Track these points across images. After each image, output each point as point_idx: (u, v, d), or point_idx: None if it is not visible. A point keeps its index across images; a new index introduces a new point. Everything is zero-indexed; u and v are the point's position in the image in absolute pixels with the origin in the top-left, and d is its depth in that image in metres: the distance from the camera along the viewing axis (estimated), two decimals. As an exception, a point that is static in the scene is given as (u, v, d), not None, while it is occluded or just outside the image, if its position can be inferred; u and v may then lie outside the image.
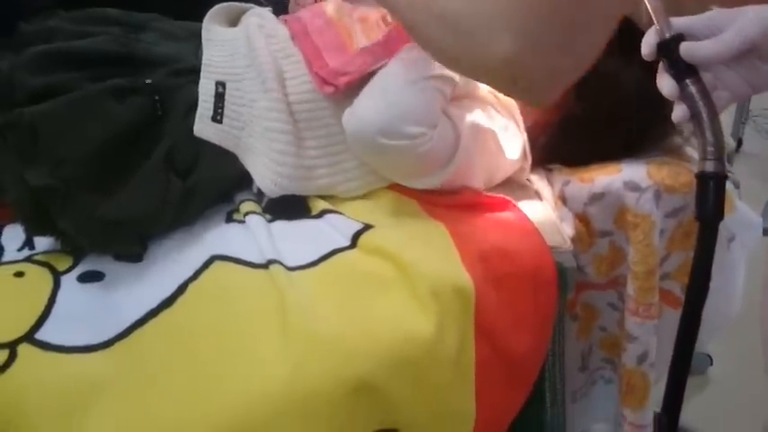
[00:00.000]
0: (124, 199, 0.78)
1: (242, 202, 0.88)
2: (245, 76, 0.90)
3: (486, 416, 0.79)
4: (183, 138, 0.84)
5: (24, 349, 0.67)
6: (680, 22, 0.60)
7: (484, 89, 0.93)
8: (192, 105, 0.86)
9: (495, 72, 0.60)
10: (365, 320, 0.73)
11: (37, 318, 0.71)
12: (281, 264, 0.77)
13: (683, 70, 0.64)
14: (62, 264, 0.79)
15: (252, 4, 1.06)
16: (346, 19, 0.96)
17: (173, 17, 1.04)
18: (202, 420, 0.63)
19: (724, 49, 0.74)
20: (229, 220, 0.87)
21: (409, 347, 0.72)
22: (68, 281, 0.77)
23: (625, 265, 0.94)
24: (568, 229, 0.89)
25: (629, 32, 0.83)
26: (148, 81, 0.84)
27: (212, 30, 0.96)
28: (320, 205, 0.89)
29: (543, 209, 0.91)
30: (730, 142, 1.10)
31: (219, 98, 0.87)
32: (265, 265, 0.77)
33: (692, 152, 0.99)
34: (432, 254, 0.79)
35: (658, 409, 0.97)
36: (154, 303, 0.73)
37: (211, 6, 1.02)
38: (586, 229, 0.92)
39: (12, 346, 0.67)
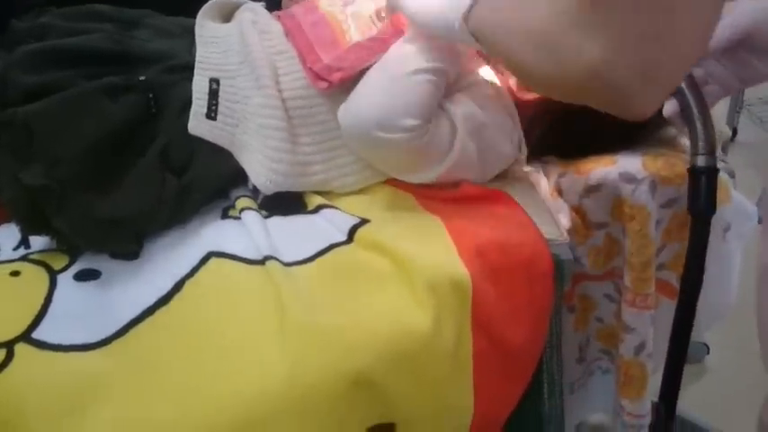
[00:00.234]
0: (119, 198, 0.78)
1: (238, 198, 0.88)
2: (239, 73, 0.90)
3: (484, 409, 0.79)
4: (178, 135, 0.84)
5: (21, 349, 0.67)
6: None
7: (480, 82, 0.92)
8: (187, 102, 0.86)
9: (588, 84, 0.57)
10: (362, 315, 0.72)
11: (34, 317, 0.71)
12: (278, 260, 0.76)
13: None
14: (58, 262, 0.79)
15: (245, 0, 1.06)
16: (339, 14, 0.96)
17: (166, 13, 1.03)
18: (201, 418, 0.63)
19: (711, 41, 0.74)
20: (225, 216, 0.87)
21: (407, 341, 0.72)
22: (65, 279, 0.77)
23: (621, 256, 0.94)
24: (565, 222, 0.89)
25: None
26: (142, 78, 0.83)
27: (205, 26, 0.96)
28: (316, 200, 0.88)
29: (539, 201, 0.91)
30: (726, 131, 1.10)
31: (213, 95, 0.87)
32: (262, 262, 0.77)
33: (688, 143, 0.99)
34: (428, 248, 0.79)
35: (656, 399, 0.98)
36: (150, 301, 0.73)
37: (204, 2, 1.01)
38: (582, 221, 0.92)
39: (8, 346, 0.67)
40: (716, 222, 0.87)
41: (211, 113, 0.86)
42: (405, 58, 0.84)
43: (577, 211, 0.92)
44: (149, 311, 0.72)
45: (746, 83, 0.86)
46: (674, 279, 1.00)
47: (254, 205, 0.87)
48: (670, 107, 0.86)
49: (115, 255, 0.80)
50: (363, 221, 0.84)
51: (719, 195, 0.85)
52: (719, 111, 1.23)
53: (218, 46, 0.93)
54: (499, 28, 0.71)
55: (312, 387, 0.67)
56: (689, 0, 0.52)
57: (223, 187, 0.90)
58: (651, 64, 0.54)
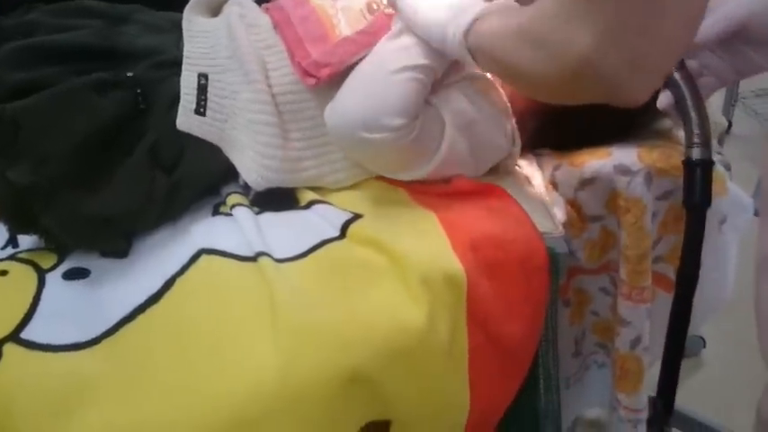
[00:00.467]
0: (108, 196, 0.77)
1: (228, 194, 0.87)
2: (228, 68, 0.89)
3: (480, 404, 0.78)
4: (167, 131, 0.83)
5: (10, 349, 0.66)
6: None
7: (472, 76, 0.91)
8: (175, 98, 0.85)
9: (579, 74, 0.58)
10: (356, 311, 0.72)
11: (22, 316, 0.70)
12: (270, 256, 0.75)
13: None
14: (46, 261, 0.78)
15: None
16: (330, 8, 0.95)
17: (155, 8, 1.02)
18: (194, 418, 0.63)
19: (706, 33, 0.74)
20: (216, 212, 0.86)
21: (402, 337, 0.71)
22: (53, 278, 0.76)
23: (617, 249, 0.93)
24: (560, 215, 0.88)
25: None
26: (130, 74, 0.82)
27: (193, 20, 0.95)
28: (308, 196, 0.87)
29: (534, 195, 0.90)
30: (722, 121, 1.10)
31: (202, 90, 0.86)
32: (254, 258, 0.76)
33: (683, 135, 0.98)
34: (422, 242, 0.78)
35: (652, 393, 0.97)
36: (141, 299, 0.72)
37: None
38: (578, 214, 0.91)
39: (-3, 347, 0.66)
40: (712, 215, 0.87)
41: (200, 109, 0.85)
42: (390, 55, 0.83)
43: (572, 204, 0.92)
44: (140, 310, 0.71)
45: (742, 74, 0.85)
46: (670, 272, 0.99)
47: (246, 201, 0.86)
48: (665, 99, 0.86)
49: (104, 253, 0.79)
50: (356, 216, 0.83)
51: (715, 188, 0.85)
52: (715, 103, 1.23)
53: (205, 41, 0.92)
54: (496, 38, 0.71)
55: (306, 385, 0.66)
56: None
57: (214, 184, 0.89)
58: (639, 52, 0.56)
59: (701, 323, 1.05)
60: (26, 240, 0.81)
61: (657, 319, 0.94)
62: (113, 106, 0.79)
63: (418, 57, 0.82)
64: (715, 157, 0.84)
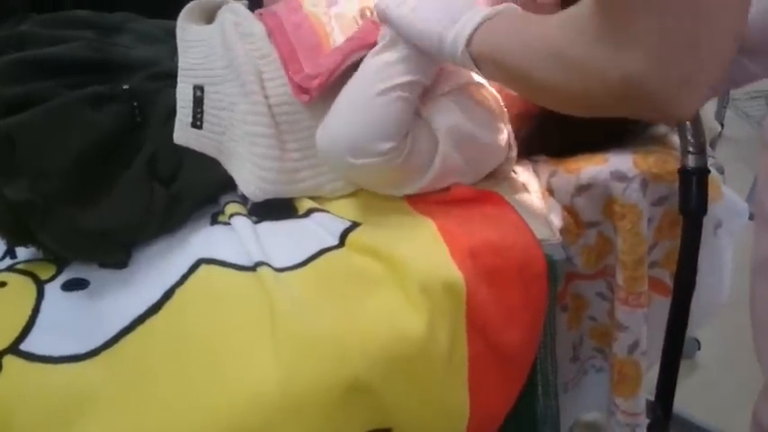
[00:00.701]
0: (107, 210, 0.77)
1: (227, 203, 0.87)
2: (225, 79, 0.88)
3: (480, 411, 0.78)
4: (165, 144, 0.82)
5: (9, 361, 0.66)
6: None
7: (466, 84, 0.91)
8: (172, 110, 0.84)
9: (626, 95, 0.57)
10: (356, 320, 0.72)
11: (21, 328, 0.70)
12: (269, 265, 0.75)
13: None
14: (45, 272, 0.78)
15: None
16: (323, 16, 0.94)
17: (148, 15, 1.02)
18: (194, 429, 0.63)
19: None
20: (214, 222, 0.86)
21: (402, 346, 0.71)
22: (52, 289, 0.76)
23: (613, 254, 0.93)
24: (557, 221, 0.88)
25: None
26: (126, 87, 0.82)
27: (187, 29, 0.94)
28: (306, 204, 0.87)
29: (531, 201, 0.90)
30: (716, 126, 1.11)
31: (198, 103, 0.85)
32: (253, 268, 0.76)
33: (678, 140, 0.99)
34: (421, 250, 0.78)
35: (650, 396, 0.98)
36: (140, 310, 0.72)
37: (184, 2, 0.99)
38: (574, 220, 0.92)
39: (-4, 359, 0.66)
40: (707, 220, 0.87)
41: (197, 122, 0.85)
42: (374, 75, 0.82)
43: (569, 210, 0.92)
44: (139, 320, 0.71)
45: (737, 83, 0.86)
46: (666, 277, 1.00)
47: (244, 211, 0.86)
48: None
49: (104, 264, 0.79)
50: (354, 225, 0.83)
51: (710, 193, 0.86)
52: (708, 107, 1.24)
53: (200, 50, 0.91)
54: (510, 51, 0.70)
55: (307, 394, 0.66)
56: (722, 8, 0.52)
57: (212, 194, 0.89)
58: (689, 69, 0.55)
59: (697, 327, 1.06)
60: (24, 251, 0.81)
61: (654, 324, 0.95)
62: (110, 120, 0.79)
63: (402, 73, 0.80)
64: (708, 162, 0.85)
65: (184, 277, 0.75)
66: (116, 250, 0.79)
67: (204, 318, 0.72)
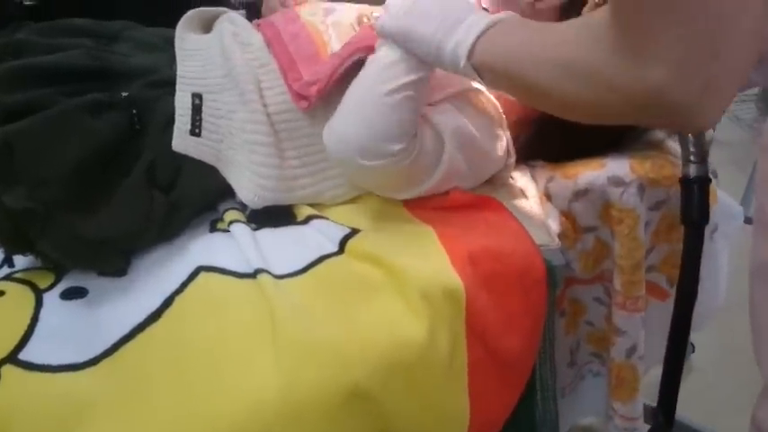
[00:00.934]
0: (106, 218, 0.76)
1: (226, 211, 0.87)
2: (223, 88, 0.88)
3: (479, 417, 0.78)
4: (164, 152, 0.82)
5: (8, 371, 0.66)
6: None
7: (468, 90, 0.92)
8: (171, 117, 0.84)
9: (647, 106, 0.57)
10: (357, 327, 0.72)
11: (20, 337, 0.69)
12: (269, 272, 0.75)
13: None
14: (44, 281, 0.77)
15: (224, 8, 1.04)
16: (320, 25, 0.94)
17: (146, 24, 1.02)
18: (196, 437, 0.62)
19: None
20: (213, 229, 0.86)
21: (402, 352, 0.71)
22: (51, 298, 0.75)
23: (610, 259, 0.94)
24: (554, 226, 0.89)
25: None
26: (125, 94, 0.82)
27: (185, 38, 0.94)
28: (305, 211, 0.87)
29: (529, 207, 0.91)
30: (710, 132, 1.12)
31: (197, 111, 0.85)
32: (252, 275, 0.75)
33: (674, 145, 1.00)
34: (420, 257, 0.78)
35: (648, 401, 0.98)
36: (140, 318, 0.72)
37: (182, 11, 0.99)
38: (572, 225, 0.92)
39: (-6, 368, 0.65)
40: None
41: (195, 130, 0.84)
42: (378, 75, 0.81)
43: (566, 215, 0.92)
44: (139, 329, 0.71)
45: (739, 90, 0.86)
46: (662, 281, 1.00)
47: (243, 218, 0.86)
48: None
49: (102, 272, 0.78)
50: (354, 231, 0.83)
51: (707, 198, 0.86)
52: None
53: (198, 59, 0.91)
54: (517, 61, 0.69)
55: (307, 402, 0.66)
56: (741, 10, 0.52)
57: (211, 202, 0.89)
58: (713, 77, 0.54)
59: (695, 331, 1.06)
60: (22, 259, 0.80)
61: (650, 328, 0.95)
62: (109, 128, 0.79)
63: (407, 72, 0.80)
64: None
65: (184, 285, 0.75)
66: (115, 258, 0.79)
67: (204, 325, 0.71)
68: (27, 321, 0.71)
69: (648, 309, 0.95)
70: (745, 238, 1.06)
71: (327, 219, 0.86)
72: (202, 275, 0.76)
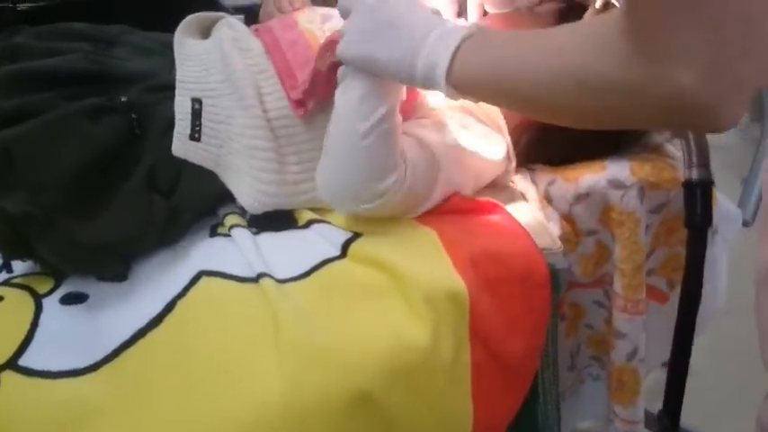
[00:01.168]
0: (106, 223, 0.76)
1: (226, 215, 0.86)
2: (222, 92, 0.88)
3: (483, 420, 0.78)
4: (163, 156, 0.82)
5: (7, 377, 0.65)
6: None
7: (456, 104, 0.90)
8: (170, 122, 0.84)
9: (671, 110, 0.54)
10: (360, 331, 0.71)
11: (19, 343, 0.69)
12: (271, 276, 0.75)
13: None
14: (43, 286, 0.77)
15: (223, 14, 1.04)
16: (317, 31, 0.94)
17: (142, 28, 1.01)
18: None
19: None
20: (214, 234, 0.85)
21: (406, 356, 0.71)
22: (50, 303, 0.74)
23: (611, 262, 0.94)
24: (555, 230, 0.89)
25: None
26: (124, 99, 0.81)
27: (185, 43, 0.93)
28: (306, 215, 0.87)
29: (530, 210, 0.91)
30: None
31: (196, 115, 0.85)
32: (255, 279, 0.75)
33: (672, 148, 1.00)
34: (423, 260, 0.78)
35: (646, 405, 0.98)
36: (141, 323, 0.71)
37: (179, 16, 0.99)
38: (572, 228, 0.92)
39: (-6, 375, 0.65)
40: (704, 227, 0.88)
41: (195, 134, 0.84)
42: (351, 114, 0.79)
43: (567, 218, 0.92)
44: (140, 334, 0.70)
45: None
46: (662, 284, 1.00)
47: (244, 222, 0.85)
48: None
49: (102, 277, 0.78)
50: (356, 235, 0.83)
51: (707, 202, 0.86)
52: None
53: (198, 64, 0.90)
54: (509, 76, 0.66)
55: (311, 407, 0.66)
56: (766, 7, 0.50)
57: (211, 206, 0.88)
58: (741, 76, 0.52)
59: (698, 334, 1.07)
60: (21, 264, 0.80)
61: (649, 331, 0.95)
62: (108, 132, 0.78)
63: (377, 106, 0.78)
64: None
65: (186, 289, 0.75)
66: (115, 263, 0.78)
67: (207, 330, 0.71)
68: (27, 327, 0.71)
69: (648, 312, 0.95)
70: (744, 242, 1.07)
71: (329, 223, 0.86)
72: (204, 280, 0.76)
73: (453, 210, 0.88)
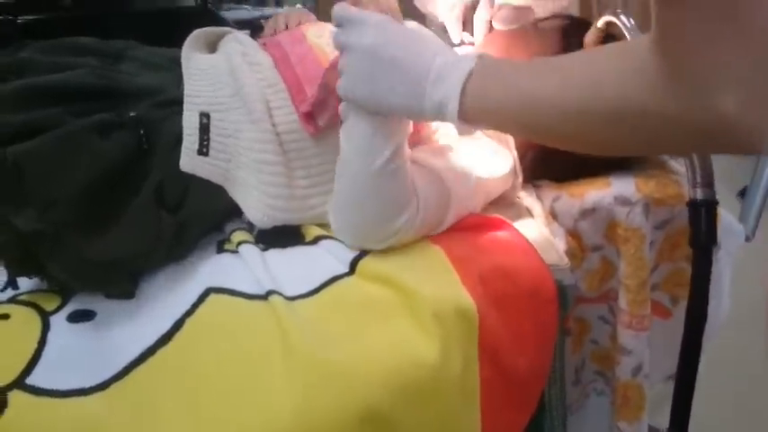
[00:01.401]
0: (115, 239, 0.75)
1: (233, 231, 0.86)
2: (231, 106, 0.87)
3: (491, 438, 0.78)
4: (171, 171, 0.81)
5: (16, 396, 0.64)
6: None
7: None
8: (178, 137, 0.83)
9: (709, 135, 0.53)
10: (370, 348, 0.71)
11: (27, 362, 0.68)
12: (280, 294, 0.75)
13: None
14: (50, 303, 0.76)
15: (229, 29, 1.04)
16: (327, 47, 0.94)
17: (148, 44, 1.01)
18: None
19: None
20: (221, 250, 0.85)
21: (415, 373, 0.71)
22: (58, 321, 0.74)
23: (615, 278, 0.94)
24: (561, 245, 0.89)
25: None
26: (133, 114, 0.81)
27: (192, 58, 0.93)
28: (314, 231, 0.87)
29: (537, 226, 0.91)
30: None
31: (204, 130, 0.84)
32: (264, 296, 0.75)
33: (676, 164, 1.00)
34: (432, 277, 0.78)
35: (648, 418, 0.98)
36: (150, 341, 0.71)
37: (186, 32, 0.99)
38: (578, 244, 0.93)
39: (2, 394, 0.64)
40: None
41: (203, 149, 0.84)
42: (360, 153, 0.78)
43: (572, 234, 0.93)
44: (150, 352, 0.70)
45: None
46: (665, 299, 1.01)
47: (251, 238, 0.85)
48: None
49: (110, 294, 0.77)
50: (364, 252, 0.82)
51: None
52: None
53: (206, 78, 0.90)
54: (528, 110, 0.65)
55: (321, 424, 0.65)
56: None
57: (219, 222, 0.88)
58: None
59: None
60: (26, 281, 0.79)
61: (653, 346, 0.95)
62: (117, 148, 0.78)
63: (386, 142, 0.77)
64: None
65: (194, 307, 0.74)
66: (124, 280, 0.77)
67: (216, 348, 0.70)
68: (34, 345, 0.70)
69: (651, 328, 0.96)
70: (745, 256, 1.07)
71: (336, 239, 0.85)
72: (212, 297, 0.75)
73: (461, 226, 0.88)
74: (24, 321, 0.73)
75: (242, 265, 0.80)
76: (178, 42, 0.97)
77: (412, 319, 0.74)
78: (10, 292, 0.78)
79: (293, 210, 0.86)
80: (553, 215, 0.95)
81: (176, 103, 0.86)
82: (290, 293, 0.76)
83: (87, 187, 0.75)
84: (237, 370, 0.68)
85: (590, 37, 0.96)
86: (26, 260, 0.74)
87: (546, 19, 0.98)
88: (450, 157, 0.89)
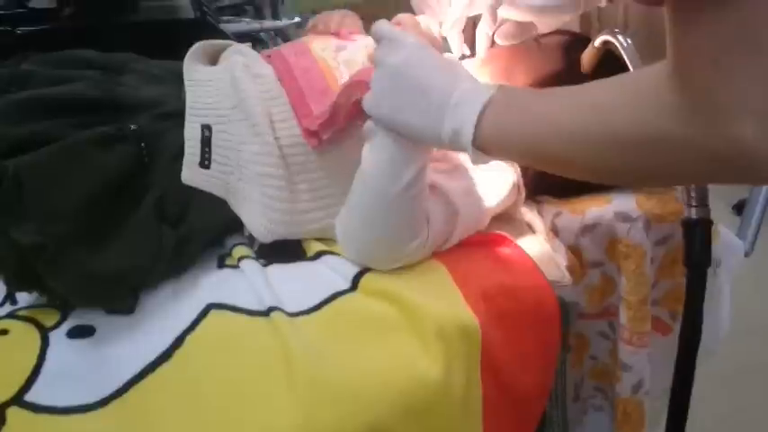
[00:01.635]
0: (116, 254, 0.74)
1: (234, 246, 0.85)
2: (232, 119, 0.87)
3: (493, 455, 0.77)
4: (172, 185, 0.81)
5: (14, 413, 0.63)
6: None
7: None
8: (179, 150, 0.83)
9: (727, 164, 0.52)
10: (372, 365, 0.71)
11: (25, 378, 0.67)
12: (282, 310, 0.74)
13: None
14: (49, 319, 0.75)
15: (230, 41, 1.04)
16: (332, 61, 0.93)
17: (149, 56, 1.01)
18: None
19: None
20: (221, 265, 0.84)
21: (418, 390, 0.70)
22: (57, 337, 0.73)
23: (616, 294, 0.94)
24: (562, 262, 0.89)
25: (619, 67, 0.84)
26: (134, 127, 0.80)
27: (194, 70, 0.93)
28: (315, 247, 0.86)
29: (538, 243, 0.91)
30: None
31: (206, 142, 0.84)
32: (265, 313, 0.74)
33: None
34: (434, 294, 0.78)
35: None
36: (151, 357, 0.70)
37: (187, 45, 0.99)
38: (578, 260, 0.93)
39: (0, 411, 0.63)
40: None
41: (205, 161, 0.83)
42: (382, 176, 0.78)
43: (573, 250, 0.93)
44: (150, 368, 0.69)
45: None
46: (665, 315, 1.01)
47: (252, 253, 0.84)
48: None
49: (110, 310, 0.76)
50: (366, 268, 0.82)
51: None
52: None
53: (208, 90, 0.90)
54: (543, 141, 0.65)
55: (325, 441, 0.65)
56: None
57: (220, 235, 0.87)
58: None
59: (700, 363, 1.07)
60: (25, 296, 0.78)
61: (652, 362, 0.95)
62: (118, 161, 0.77)
63: (407, 167, 0.77)
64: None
65: (195, 323, 0.73)
66: (125, 296, 0.77)
67: (217, 365, 0.70)
68: (33, 361, 0.69)
69: (651, 344, 0.96)
70: (744, 271, 1.08)
71: (338, 255, 0.85)
72: (213, 313, 0.75)
73: (463, 243, 0.88)
74: (23, 337, 0.72)
75: (243, 281, 0.79)
76: (177, 54, 0.97)
77: (414, 336, 0.74)
78: (8, 308, 0.77)
79: (295, 223, 0.85)
80: (554, 231, 0.95)
81: (178, 116, 0.85)
82: (291, 310, 0.75)
83: (88, 201, 0.74)
84: (239, 388, 0.68)
85: (587, 55, 0.96)
86: (25, 274, 0.73)
87: (548, 35, 0.99)
88: (458, 175, 0.89)
